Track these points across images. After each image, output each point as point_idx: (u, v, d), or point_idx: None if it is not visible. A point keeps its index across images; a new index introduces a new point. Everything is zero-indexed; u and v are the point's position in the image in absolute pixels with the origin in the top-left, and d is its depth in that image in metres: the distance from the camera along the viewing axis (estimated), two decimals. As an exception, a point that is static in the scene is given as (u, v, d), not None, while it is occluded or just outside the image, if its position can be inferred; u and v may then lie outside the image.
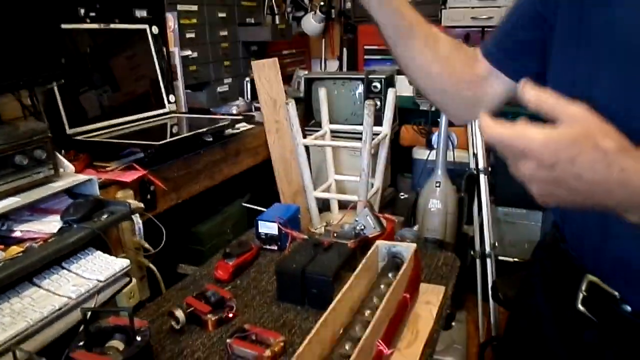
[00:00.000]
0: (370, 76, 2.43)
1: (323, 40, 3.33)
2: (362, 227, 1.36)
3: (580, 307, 0.69)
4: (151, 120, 1.97)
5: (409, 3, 0.82)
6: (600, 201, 0.52)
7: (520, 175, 0.51)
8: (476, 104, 0.86)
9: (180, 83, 2.20)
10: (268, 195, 2.30)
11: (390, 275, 1.08)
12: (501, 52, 0.82)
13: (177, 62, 2.19)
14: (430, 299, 1.12)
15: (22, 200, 1.13)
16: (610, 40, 0.61)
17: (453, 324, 2.23)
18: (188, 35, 2.27)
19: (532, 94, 0.50)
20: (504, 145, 0.50)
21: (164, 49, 2.09)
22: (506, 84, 0.82)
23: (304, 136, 2.21)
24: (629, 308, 0.64)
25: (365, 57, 3.08)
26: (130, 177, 1.48)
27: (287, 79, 2.88)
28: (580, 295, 0.69)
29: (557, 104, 0.49)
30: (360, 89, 2.46)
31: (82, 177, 1.27)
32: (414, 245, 1.14)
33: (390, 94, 2.20)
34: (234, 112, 2.46)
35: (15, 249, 1.06)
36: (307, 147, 2.23)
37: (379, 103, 2.32)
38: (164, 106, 2.06)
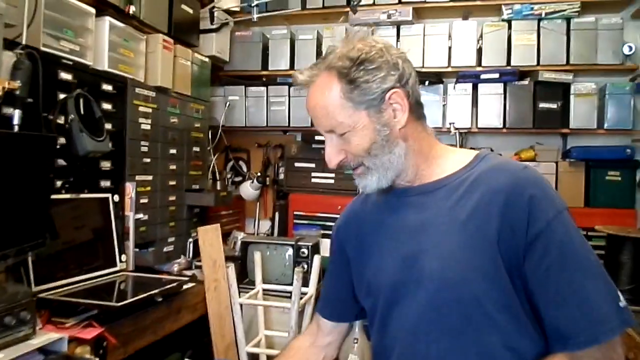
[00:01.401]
0: (299, 242, 2.83)
1: (257, 203, 3.76)
2: (292, 382, 1.62)
3: None
4: (104, 277, 2.20)
5: None
6: None
7: None
8: None
9: (131, 243, 2.48)
10: (202, 349, 2.50)
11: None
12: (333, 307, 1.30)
13: (131, 224, 2.48)
14: None
15: (5, 357, 1.33)
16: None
17: None
18: (142, 201, 2.60)
19: None
20: None
21: (121, 214, 2.40)
22: None
23: (239, 294, 2.50)
24: None
25: (295, 221, 3.51)
26: (90, 334, 1.69)
27: (224, 237, 3.22)
28: None
29: None
30: (290, 252, 2.83)
31: (55, 336, 1.49)
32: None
33: (316, 259, 2.58)
34: (175, 269, 2.73)
35: (-3, 401, 1.24)
36: (240, 305, 2.51)
37: (306, 267, 2.68)
38: (115, 265, 2.31)
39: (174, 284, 2.19)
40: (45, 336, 1.48)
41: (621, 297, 0.92)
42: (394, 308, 1.03)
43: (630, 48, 3.07)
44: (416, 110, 1.03)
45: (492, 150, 3.30)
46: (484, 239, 0.93)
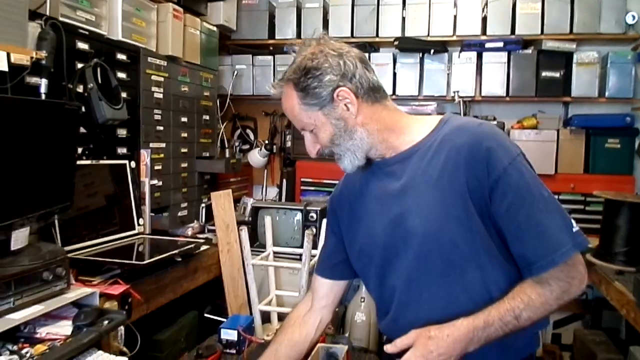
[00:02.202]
0: (307, 207, 2.93)
1: (265, 170, 3.86)
2: (306, 334, 1.74)
3: None
4: (124, 240, 2.31)
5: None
6: (455, 352, 1.05)
7: None
8: None
9: (147, 208, 2.58)
10: (217, 307, 2.63)
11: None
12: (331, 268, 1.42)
13: (147, 190, 2.58)
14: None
15: (46, 309, 1.45)
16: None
17: None
18: (156, 167, 2.70)
19: (389, 348, 1.09)
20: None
21: (137, 180, 2.50)
22: None
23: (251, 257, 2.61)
24: None
25: (302, 187, 3.62)
26: (117, 290, 1.81)
27: (233, 203, 3.32)
28: None
29: (400, 341, 1.08)
30: (299, 216, 2.94)
31: (87, 291, 1.60)
32: (346, 346, 1.55)
33: (325, 222, 2.68)
34: (189, 233, 2.85)
35: (40, 348, 1.36)
36: (252, 266, 2.62)
37: (314, 230, 2.79)
38: (134, 228, 2.42)
39: (191, 246, 2.31)
40: (79, 290, 1.59)
41: (574, 224, 1.08)
42: (388, 266, 1.20)
43: (634, 17, 3.11)
44: (370, 96, 1.16)
45: (495, 118, 3.39)
46: (455, 191, 1.09)
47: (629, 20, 3.12)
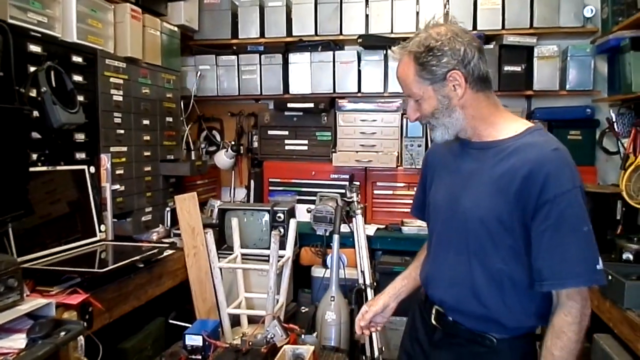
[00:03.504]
0: (275, 208, 2.90)
1: (233, 172, 3.81)
2: (272, 336, 1.73)
3: (433, 322, 1.44)
4: (85, 247, 2.24)
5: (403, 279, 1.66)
6: None
7: None
8: None
9: (109, 213, 2.51)
10: (185, 312, 2.58)
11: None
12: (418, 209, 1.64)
13: (108, 195, 2.51)
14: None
15: (-3, 322, 1.39)
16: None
17: None
18: (117, 172, 2.63)
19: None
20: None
21: (98, 185, 2.43)
22: None
23: (218, 259, 2.57)
24: (450, 319, 1.39)
25: (270, 188, 3.59)
26: (75, 300, 1.75)
27: (201, 206, 3.27)
28: (433, 316, 1.44)
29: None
30: (267, 217, 2.91)
31: (42, 301, 1.54)
32: (313, 347, 1.53)
33: (292, 223, 2.66)
34: (154, 238, 2.79)
35: (-9, 364, 1.30)
36: (220, 269, 2.58)
37: (282, 230, 2.77)
38: (95, 235, 2.35)
39: (154, 250, 2.26)
40: (34, 302, 1.53)
41: (600, 262, 1.21)
42: (436, 224, 1.48)
43: (591, 10, 3.17)
44: (477, 84, 1.31)
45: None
46: (506, 195, 1.26)
47: (587, 14, 3.18)
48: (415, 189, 1.69)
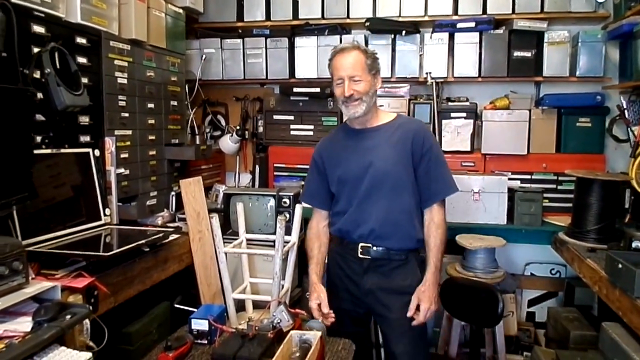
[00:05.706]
0: (280, 193, 2.88)
1: (237, 157, 3.79)
2: (279, 321, 1.72)
3: (360, 255, 2.06)
4: (90, 231, 2.23)
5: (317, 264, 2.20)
6: (436, 289, 2.03)
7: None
8: None
9: (114, 197, 2.50)
10: (190, 297, 2.57)
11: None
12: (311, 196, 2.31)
13: (113, 179, 2.50)
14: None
15: (2, 305, 1.37)
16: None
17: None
18: (122, 155, 2.61)
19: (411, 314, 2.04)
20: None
21: (102, 169, 2.42)
22: None
23: (224, 244, 2.55)
24: (375, 248, 2.04)
25: (275, 173, 3.56)
26: (81, 283, 1.74)
27: (205, 191, 3.25)
28: (359, 252, 2.06)
29: (412, 305, 2.02)
30: (272, 202, 2.89)
31: (47, 285, 1.53)
32: (319, 332, 1.52)
33: (298, 208, 2.64)
34: (159, 222, 2.78)
35: (-3, 346, 1.29)
36: (225, 254, 2.57)
37: (288, 216, 2.75)
38: (100, 218, 2.34)
39: (160, 235, 2.24)
40: (39, 285, 1.52)
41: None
42: (355, 188, 2.06)
43: (603, -5, 3.11)
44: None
45: (467, 100, 3.37)
46: (404, 151, 2.02)
47: (599, -1, 3.12)
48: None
